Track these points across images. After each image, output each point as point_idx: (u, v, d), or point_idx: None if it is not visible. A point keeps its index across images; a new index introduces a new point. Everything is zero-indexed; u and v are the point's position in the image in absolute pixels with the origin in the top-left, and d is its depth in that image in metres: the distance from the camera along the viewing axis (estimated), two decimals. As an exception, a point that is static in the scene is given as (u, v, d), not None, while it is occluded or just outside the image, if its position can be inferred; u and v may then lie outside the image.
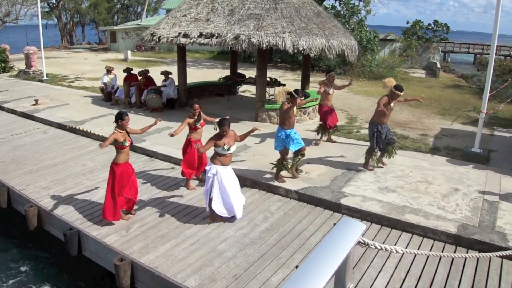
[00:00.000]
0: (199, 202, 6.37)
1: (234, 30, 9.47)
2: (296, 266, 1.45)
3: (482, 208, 5.95)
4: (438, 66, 24.07)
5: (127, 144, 5.55)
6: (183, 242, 5.27)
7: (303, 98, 6.91)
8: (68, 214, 6.01)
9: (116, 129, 5.51)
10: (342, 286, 1.71)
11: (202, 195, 6.58)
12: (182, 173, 6.86)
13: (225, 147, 5.47)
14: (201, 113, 6.65)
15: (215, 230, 5.56)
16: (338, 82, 9.23)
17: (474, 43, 42.37)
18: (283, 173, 6.92)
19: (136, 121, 10.77)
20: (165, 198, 6.53)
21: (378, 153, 7.51)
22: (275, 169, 6.89)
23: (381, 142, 7.20)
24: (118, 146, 5.49)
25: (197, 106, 6.54)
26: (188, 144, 6.74)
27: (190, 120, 6.56)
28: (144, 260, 4.90)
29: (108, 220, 5.63)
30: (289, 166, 6.86)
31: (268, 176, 7.06)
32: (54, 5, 40.52)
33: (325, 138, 9.12)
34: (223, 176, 5.51)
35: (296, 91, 6.53)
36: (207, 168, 5.64)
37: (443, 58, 36.52)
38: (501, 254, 3.12)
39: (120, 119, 5.51)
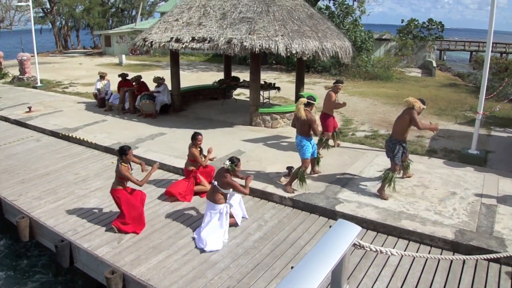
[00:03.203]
0: (192, 211, 6.28)
1: (227, 34, 9.36)
2: (292, 267, 1.46)
3: (480, 213, 5.86)
4: (434, 65, 24.05)
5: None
6: (175, 253, 5.18)
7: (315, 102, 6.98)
8: (60, 225, 5.91)
9: (122, 163, 5.55)
10: (338, 287, 1.73)
11: (195, 204, 6.50)
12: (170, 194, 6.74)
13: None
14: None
15: (208, 240, 5.46)
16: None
17: (469, 40, 42.43)
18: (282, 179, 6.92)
19: (130, 126, 10.71)
20: (157, 208, 6.42)
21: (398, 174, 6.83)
22: (279, 176, 6.89)
23: (400, 158, 6.45)
24: (123, 178, 5.59)
25: (200, 137, 6.66)
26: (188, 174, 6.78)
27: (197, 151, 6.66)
28: (135, 272, 4.81)
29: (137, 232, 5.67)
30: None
31: (262, 182, 6.96)
32: (48, 10, 40.39)
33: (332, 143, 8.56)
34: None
35: (309, 98, 6.70)
36: (217, 208, 5.53)
37: (439, 56, 36.54)
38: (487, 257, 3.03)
39: (123, 154, 5.56)
